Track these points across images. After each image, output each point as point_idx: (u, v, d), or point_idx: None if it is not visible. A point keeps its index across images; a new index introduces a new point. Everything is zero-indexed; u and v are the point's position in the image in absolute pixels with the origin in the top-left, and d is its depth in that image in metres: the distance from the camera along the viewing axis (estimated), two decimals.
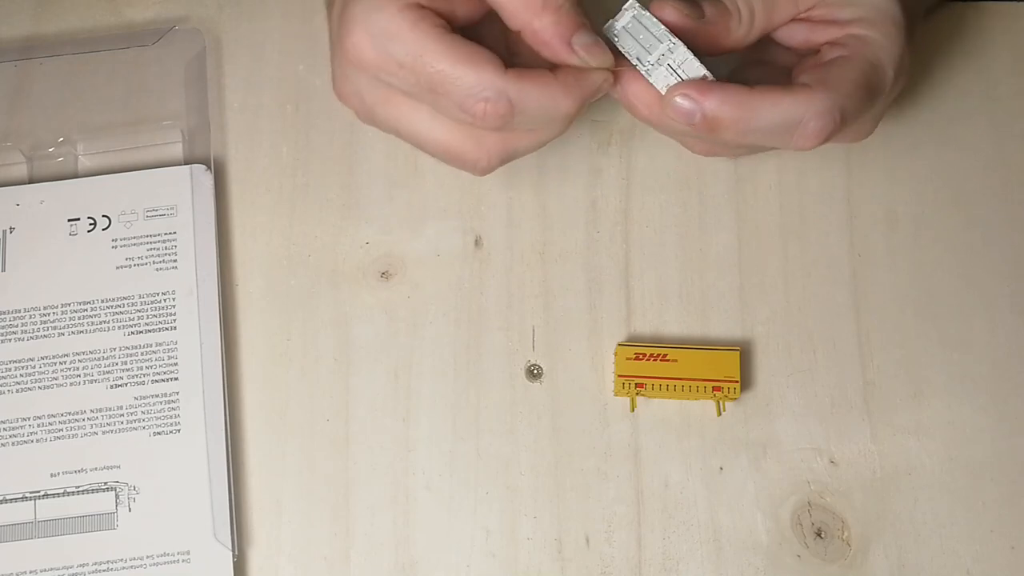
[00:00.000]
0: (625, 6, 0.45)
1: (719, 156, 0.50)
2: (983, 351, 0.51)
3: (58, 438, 0.48)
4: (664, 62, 0.44)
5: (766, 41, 0.48)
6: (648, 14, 0.44)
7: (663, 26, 0.44)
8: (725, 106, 0.43)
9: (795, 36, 0.47)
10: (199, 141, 0.53)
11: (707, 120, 0.43)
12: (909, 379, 0.51)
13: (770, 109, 0.43)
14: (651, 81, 0.44)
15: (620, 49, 0.45)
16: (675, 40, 0.43)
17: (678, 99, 0.43)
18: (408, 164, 0.53)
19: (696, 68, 0.43)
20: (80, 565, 0.47)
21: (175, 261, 0.51)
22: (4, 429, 0.48)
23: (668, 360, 0.50)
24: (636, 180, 0.53)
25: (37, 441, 0.48)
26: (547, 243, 0.53)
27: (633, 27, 0.44)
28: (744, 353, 0.51)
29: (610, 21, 0.45)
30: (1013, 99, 0.55)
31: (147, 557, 0.47)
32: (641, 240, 0.53)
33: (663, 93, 0.44)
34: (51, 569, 0.47)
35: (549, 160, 0.53)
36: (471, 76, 0.41)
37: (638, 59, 0.44)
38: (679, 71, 0.44)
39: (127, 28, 0.55)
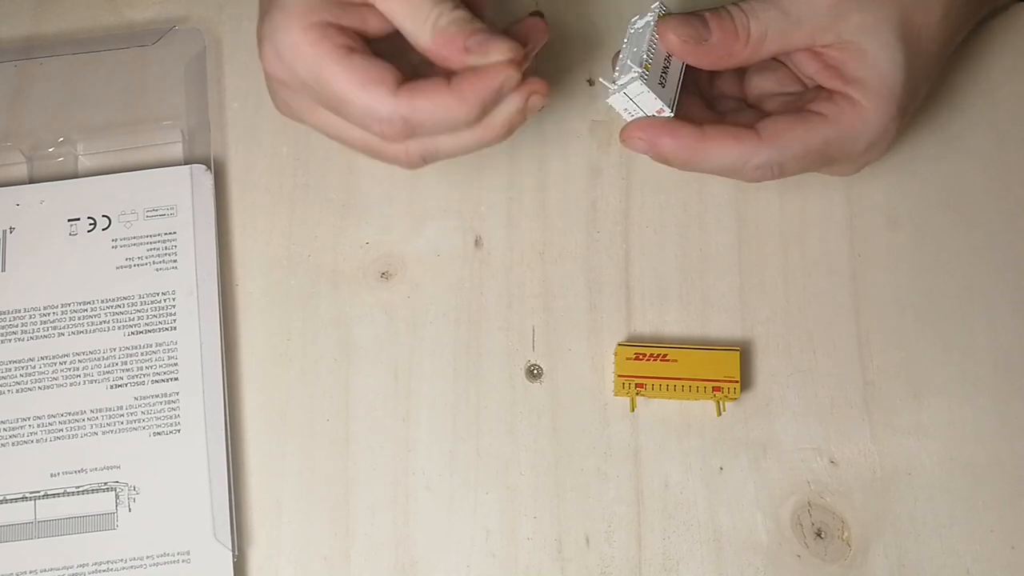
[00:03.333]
0: (652, 6, 0.47)
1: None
2: (983, 352, 0.51)
3: (58, 438, 0.48)
4: (623, 90, 0.46)
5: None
6: (653, 27, 0.46)
7: (648, 47, 0.46)
8: (676, 150, 0.46)
9: (807, 68, 0.48)
10: (199, 141, 0.53)
11: (658, 157, 0.46)
12: (909, 380, 0.51)
13: (716, 155, 0.46)
14: (611, 103, 0.46)
15: (623, 46, 0.47)
16: (639, 70, 0.45)
17: (632, 140, 0.46)
18: None
19: (651, 102, 0.46)
20: (80, 565, 0.47)
21: (175, 261, 0.51)
22: (4, 429, 0.48)
23: (668, 360, 0.50)
24: (636, 180, 0.54)
25: (37, 441, 0.48)
26: (547, 243, 0.53)
27: (639, 33, 0.46)
28: (744, 353, 0.51)
29: (635, 17, 0.47)
30: (1013, 100, 0.55)
31: (147, 557, 0.47)
32: (641, 240, 0.53)
33: (623, 116, 0.47)
34: (51, 569, 0.47)
35: (549, 160, 0.54)
36: (363, 99, 0.43)
37: (616, 77, 0.46)
38: (635, 101, 0.46)
39: (127, 28, 0.55)
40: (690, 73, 0.47)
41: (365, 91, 0.43)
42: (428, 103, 0.43)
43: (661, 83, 0.46)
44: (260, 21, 0.45)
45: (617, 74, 0.46)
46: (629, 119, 0.47)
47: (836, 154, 0.47)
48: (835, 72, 0.47)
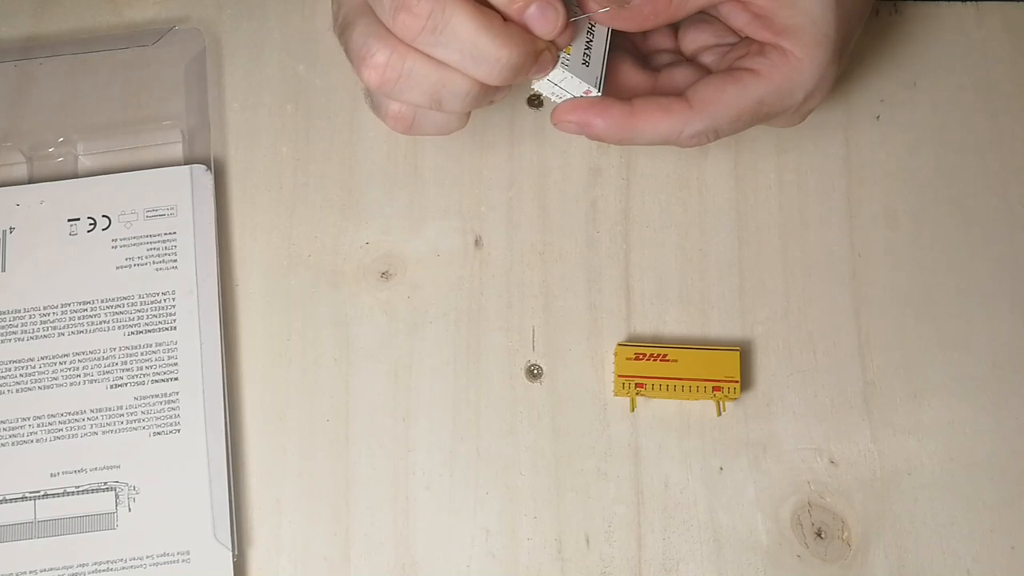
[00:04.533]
0: None
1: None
2: (983, 351, 0.51)
3: (58, 438, 0.48)
4: (544, 77, 0.45)
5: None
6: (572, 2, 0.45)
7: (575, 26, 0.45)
8: (607, 129, 0.45)
9: (736, 20, 0.47)
10: (199, 141, 0.53)
11: (591, 136, 0.46)
12: (909, 379, 0.51)
13: (649, 130, 0.45)
14: (536, 88, 0.45)
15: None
16: (559, 56, 0.44)
17: (563, 123, 0.46)
18: (408, 164, 0.53)
19: (576, 86, 0.45)
20: (80, 565, 0.47)
21: (175, 261, 0.51)
22: (4, 429, 0.48)
23: (668, 360, 0.50)
24: (636, 180, 0.54)
25: (37, 441, 0.48)
26: (547, 243, 0.53)
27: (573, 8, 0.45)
28: (744, 353, 0.51)
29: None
30: (1013, 99, 0.55)
31: (147, 557, 0.47)
32: (641, 240, 0.53)
33: (552, 99, 0.46)
34: (51, 569, 0.47)
35: (549, 160, 0.53)
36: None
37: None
38: (560, 86, 0.45)
39: (127, 28, 0.55)
40: (621, 31, 0.46)
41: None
42: (480, 16, 0.41)
43: (584, 62, 0.45)
44: None
45: None
46: (559, 101, 0.46)
47: (773, 109, 0.46)
48: (765, 22, 0.46)
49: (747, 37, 0.47)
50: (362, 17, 0.43)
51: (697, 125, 0.45)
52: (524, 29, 0.43)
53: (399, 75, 0.42)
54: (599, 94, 0.45)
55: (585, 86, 0.45)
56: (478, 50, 0.41)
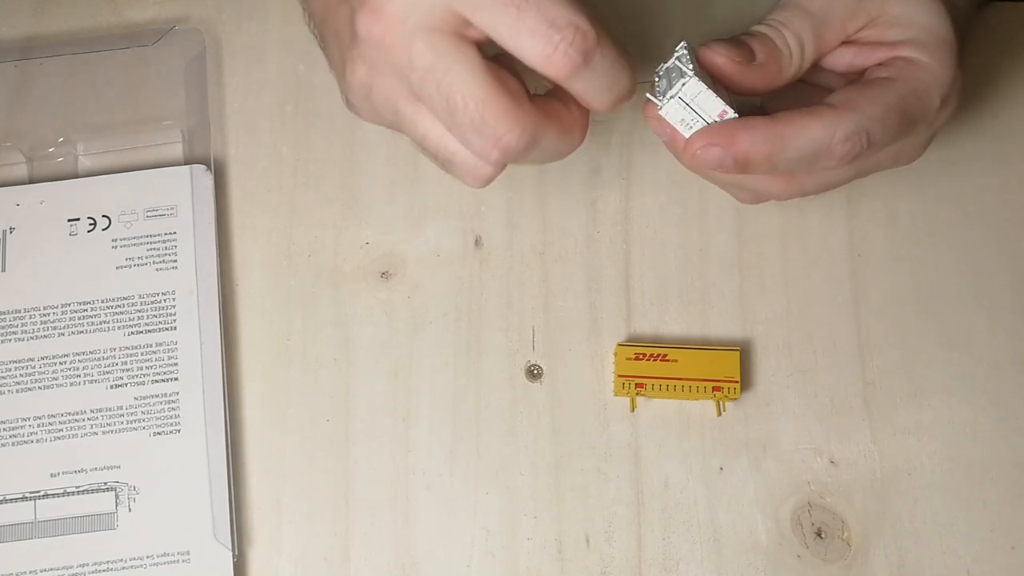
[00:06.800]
0: (677, 48, 0.43)
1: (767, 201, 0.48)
2: (983, 351, 0.51)
3: (58, 438, 0.48)
4: (676, 94, 0.42)
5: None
6: (689, 57, 0.42)
7: (693, 69, 0.42)
8: (754, 145, 0.41)
9: (842, 60, 0.45)
10: (199, 141, 0.53)
11: (737, 162, 0.42)
12: (909, 379, 0.51)
13: (798, 138, 0.41)
14: (664, 115, 0.42)
15: (656, 89, 0.43)
16: (689, 72, 0.41)
17: (704, 149, 0.42)
18: (408, 164, 0.53)
19: (712, 102, 0.42)
20: (80, 565, 0.47)
21: (175, 261, 0.51)
22: (4, 429, 0.48)
23: (668, 360, 0.50)
24: (636, 180, 0.54)
25: (37, 441, 0.48)
26: (547, 243, 0.53)
27: (672, 68, 0.43)
28: (744, 353, 0.51)
29: (660, 64, 0.43)
30: (1013, 98, 0.55)
31: (147, 557, 0.47)
32: (641, 240, 0.53)
33: (680, 131, 0.42)
34: (51, 569, 0.47)
35: None
36: (498, 105, 0.38)
37: (660, 91, 0.42)
38: (693, 106, 0.42)
39: (127, 28, 0.55)
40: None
41: (501, 98, 0.38)
42: (613, 41, 0.39)
43: (717, 94, 0.42)
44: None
45: (663, 87, 0.42)
46: (688, 132, 0.42)
47: (915, 113, 0.43)
48: (874, 46, 0.44)
49: (857, 71, 0.45)
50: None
51: (849, 124, 0.41)
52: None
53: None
54: (736, 116, 0.42)
55: (721, 105, 0.41)
56: (566, 148, 0.42)
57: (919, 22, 0.44)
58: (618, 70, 0.39)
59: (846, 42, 0.45)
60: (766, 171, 0.42)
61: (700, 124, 0.42)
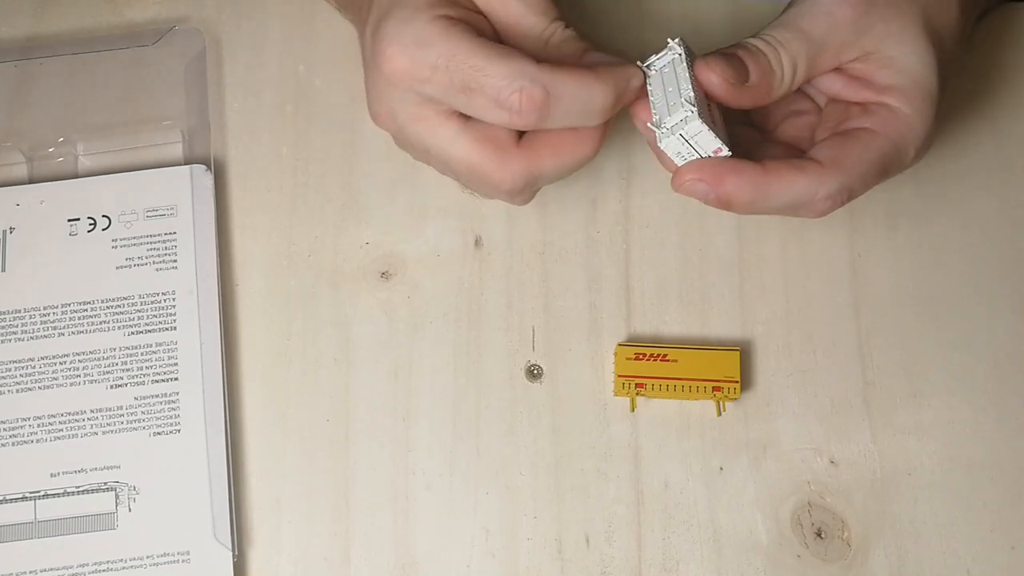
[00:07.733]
0: (670, 43, 0.44)
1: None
2: (983, 351, 0.51)
3: (58, 438, 0.48)
4: (677, 131, 0.43)
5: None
6: (685, 66, 0.43)
7: (691, 86, 0.43)
8: (739, 190, 0.43)
9: (830, 87, 0.47)
10: (199, 141, 0.53)
11: (720, 200, 0.44)
12: (909, 379, 0.51)
13: (783, 190, 0.44)
14: (662, 147, 0.44)
15: (647, 88, 0.44)
16: (693, 108, 0.42)
17: (691, 182, 0.44)
18: (408, 164, 0.53)
19: (710, 141, 0.43)
20: (80, 565, 0.47)
21: (175, 261, 0.51)
22: (4, 429, 0.48)
23: (668, 360, 0.50)
24: (636, 180, 0.54)
25: (37, 441, 0.48)
26: (547, 243, 0.53)
27: (668, 73, 0.44)
28: (744, 353, 0.51)
29: (652, 57, 0.44)
30: (1013, 98, 0.55)
31: (147, 557, 0.47)
32: (641, 240, 0.53)
33: (676, 163, 0.44)
34: (51, 569, 0.47)
35: None
36: (505, 66, 0.41)
37: (657, 120, 0.43)
38: (691, 142, 0.43)
39: (127, 28, 0.55)
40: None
41: (508, 59, 0.41)
42: (572, 78, 0.42)
43: (712, 121, 0.43)
44: (378, 26, 0.44)
45: (660, 116, 0.43)
46: (680, 162, 0.44)
47: (892, 166, 0.45)
48: (862, 83, 0.45)
49: (843, 103, 0.46)
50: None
51: (832, 184, 0.43)
52: (607, 67, 0.43)
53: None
54: (729, 154, 0.43)
55: (717, 143, 0.43)
56: (585, 106, 0.43)
57: (908, 69, 0.45)
58: (588, 93, 0.42)
59: (837, 69, 0.46)
60: (747, 213, 0.45)
61: (694, 156, 0.44)
